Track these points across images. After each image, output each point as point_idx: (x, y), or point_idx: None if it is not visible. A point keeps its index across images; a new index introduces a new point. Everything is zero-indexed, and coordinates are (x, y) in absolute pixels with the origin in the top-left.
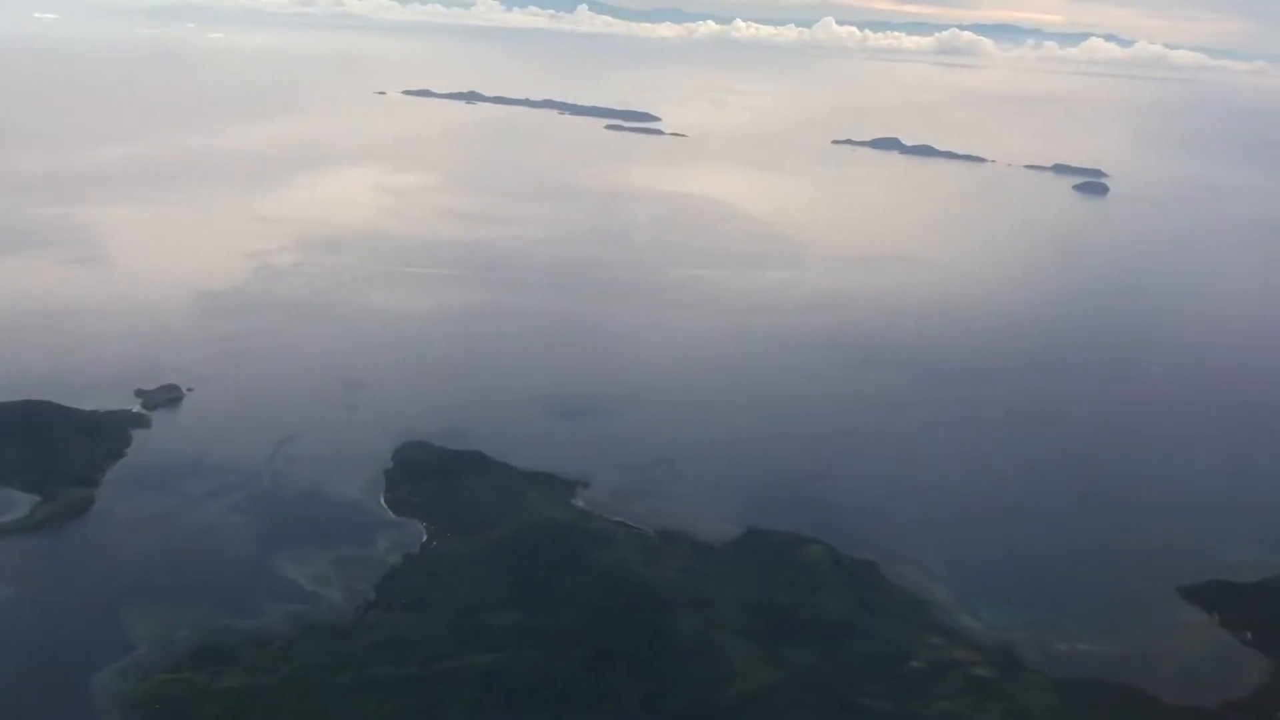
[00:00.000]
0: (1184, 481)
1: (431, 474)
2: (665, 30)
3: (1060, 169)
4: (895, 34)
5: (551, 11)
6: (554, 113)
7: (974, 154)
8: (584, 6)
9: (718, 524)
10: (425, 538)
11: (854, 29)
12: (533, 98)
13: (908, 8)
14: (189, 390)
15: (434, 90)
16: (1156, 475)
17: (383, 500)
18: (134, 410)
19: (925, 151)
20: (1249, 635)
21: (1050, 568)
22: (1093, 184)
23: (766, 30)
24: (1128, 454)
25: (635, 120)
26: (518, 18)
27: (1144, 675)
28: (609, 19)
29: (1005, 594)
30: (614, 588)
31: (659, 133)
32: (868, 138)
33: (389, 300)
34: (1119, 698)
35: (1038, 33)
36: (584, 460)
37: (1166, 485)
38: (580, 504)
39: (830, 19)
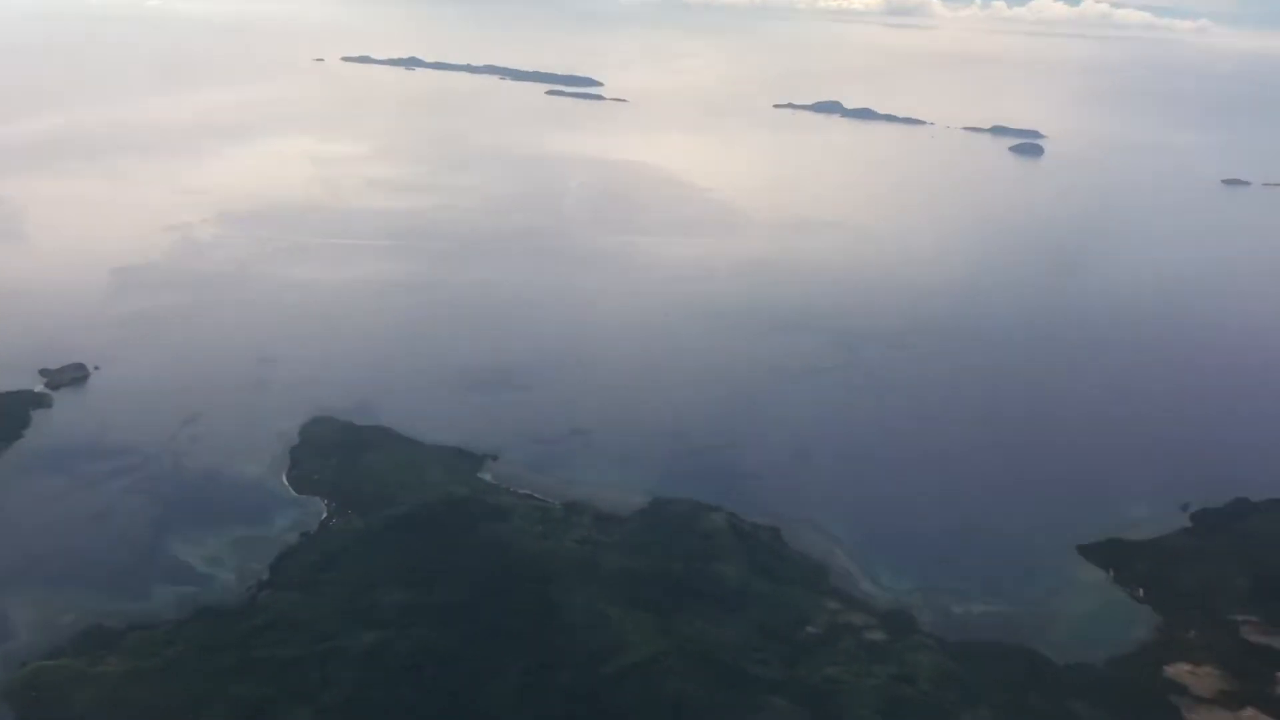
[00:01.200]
0: (1094, 441)
1: (337, 450)
2: None
3: (998, 130)
4: None
5: None
6: (495, 78)
7: (914, 117)
8: None
9: (624, 494)
10: (325, 515)
11: None
12: (474, 63)
13: None
14: (95, 369)
15: (373, 56)
16: (1067, 436)
17: (285, 478)
18: (36, 390)
19: (866, 115)
20: (1141, 592)
21: (953, 530)
22: (1028, 145)
23: None
24: (1040, 415)
25: (577, 85)
26: None
27: (1036, 635)
28: None
29: (905, 558)
30: (504, 562)
31: (600, 98)
32: (809, 101)
33: (310, 273)
34: (1008, 658)
35: None
36: (496, 433)
37: (1076, 445)
38: (487, 478)
39: None
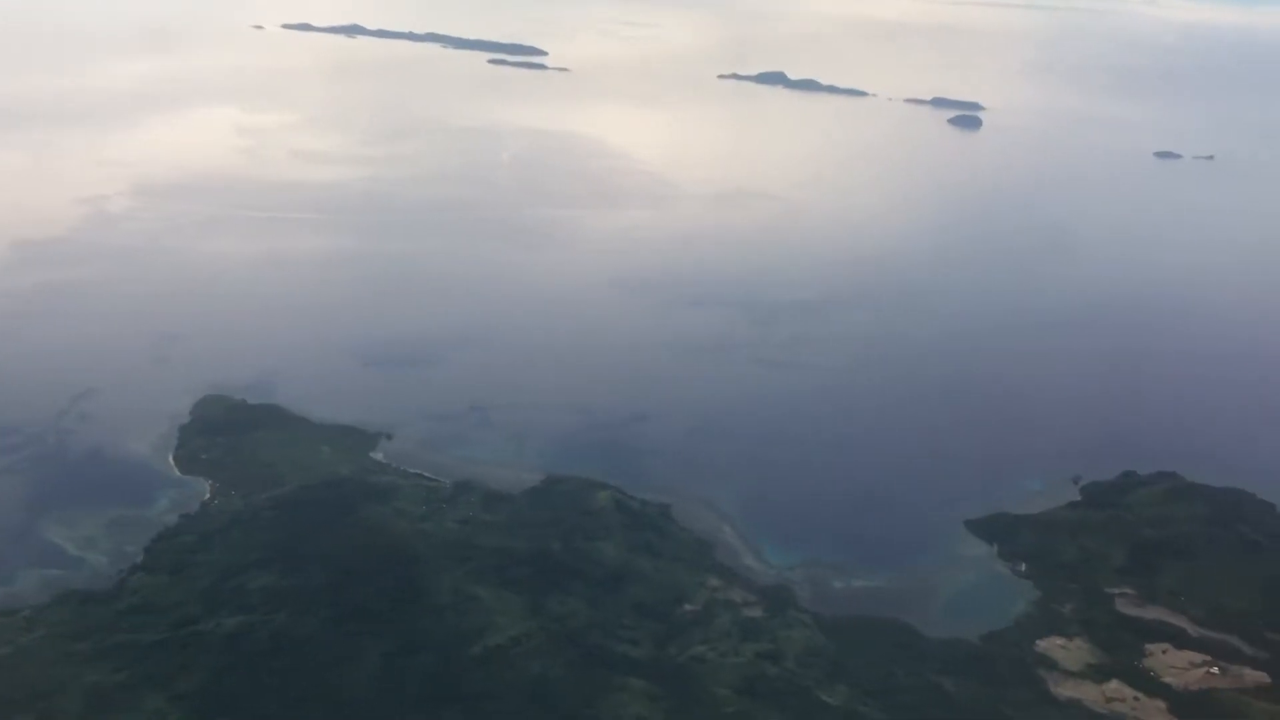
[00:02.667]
0: (997, 415)
1: (227, 429)
2: None
3: (939, 102)
4: None
5: None
6: (438, 47)
7: (857, 88)
8: None
9: (517, 472)
10: (208, 496)
11: None
12: (416, 31)
13: None
14: None
15: (314, 24)
16: (972, 410)
17: (171, 458)
18: None
19: (809, 86)
20: (1023, 567)
21: (845, 506)
22: (967, 117)
23: None
24: (947, 389)
25: (520, 54)
26: None
27: (913, 610)
28: None
29: (793, 534)
30: (375, 544)
31: (543, 67)
32: (754, 72)
33: (222, 247)
34: (881, 634)
35: None
36: (394, 410)
37: (979, 420)
38: (379, 456)
39: None
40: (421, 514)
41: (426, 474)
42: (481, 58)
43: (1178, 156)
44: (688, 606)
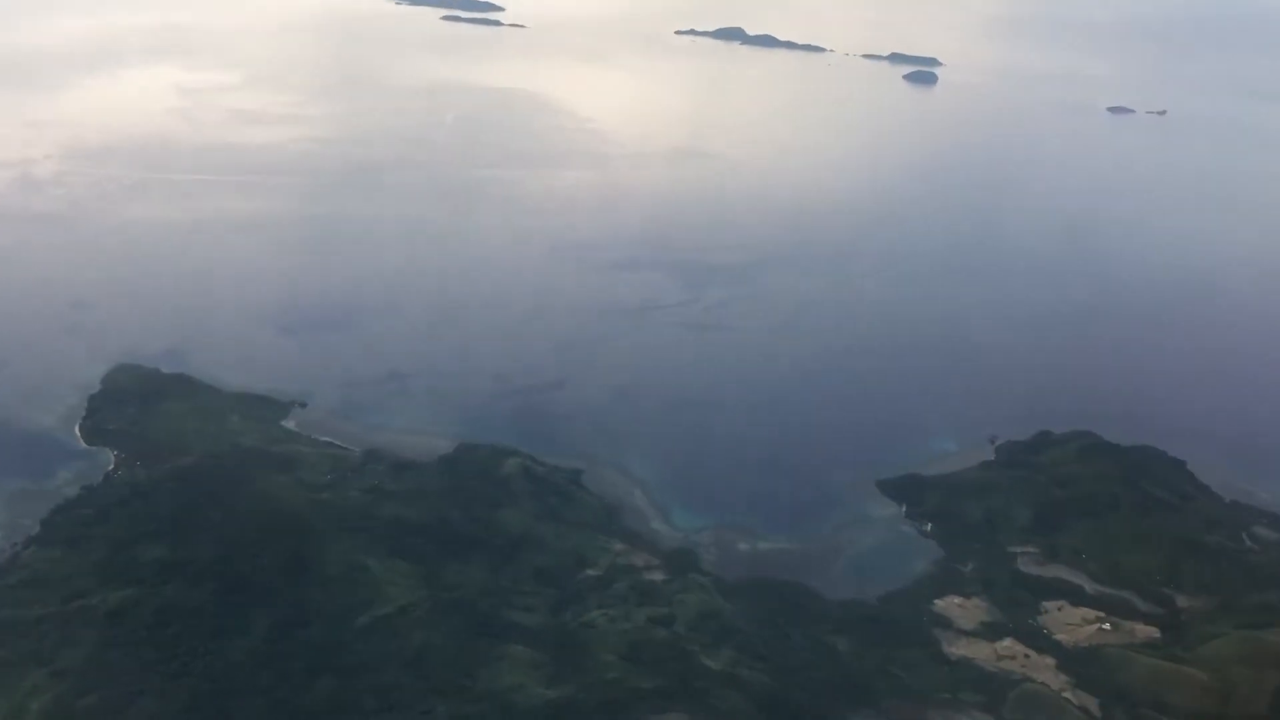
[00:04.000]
0: (920, 376)
1: (136, 399)
2: None
3: (896, 58)
4: None
5: None
6: (390, 4)
7: (814, 44)
8: None
9: (430, 439)
10: (112, 467)
11: None
12: None
13: None
14: None
15: None
16: (895, 371)
17: (77, 429)
18: None
19: (767, 42)
20: (929, 527)
21: (760, 468)
22: (923, 73)
23: None
24: (872, 350)
25: (475, 10)
26: None
27: (816, 572)
28: None
29: (705, 497)
30: (268, 516)
31: (498, 24)
32: (712, 28)
33: (147, 211)
34: (779, 596)
35: None
36: (311, 377)
37: (901, 380)
38: (291, 425)
39: None
40: (324, 483)
41: (337, 442)
42: (435, 14)
43: (1131, 111)
44: (589, 572)
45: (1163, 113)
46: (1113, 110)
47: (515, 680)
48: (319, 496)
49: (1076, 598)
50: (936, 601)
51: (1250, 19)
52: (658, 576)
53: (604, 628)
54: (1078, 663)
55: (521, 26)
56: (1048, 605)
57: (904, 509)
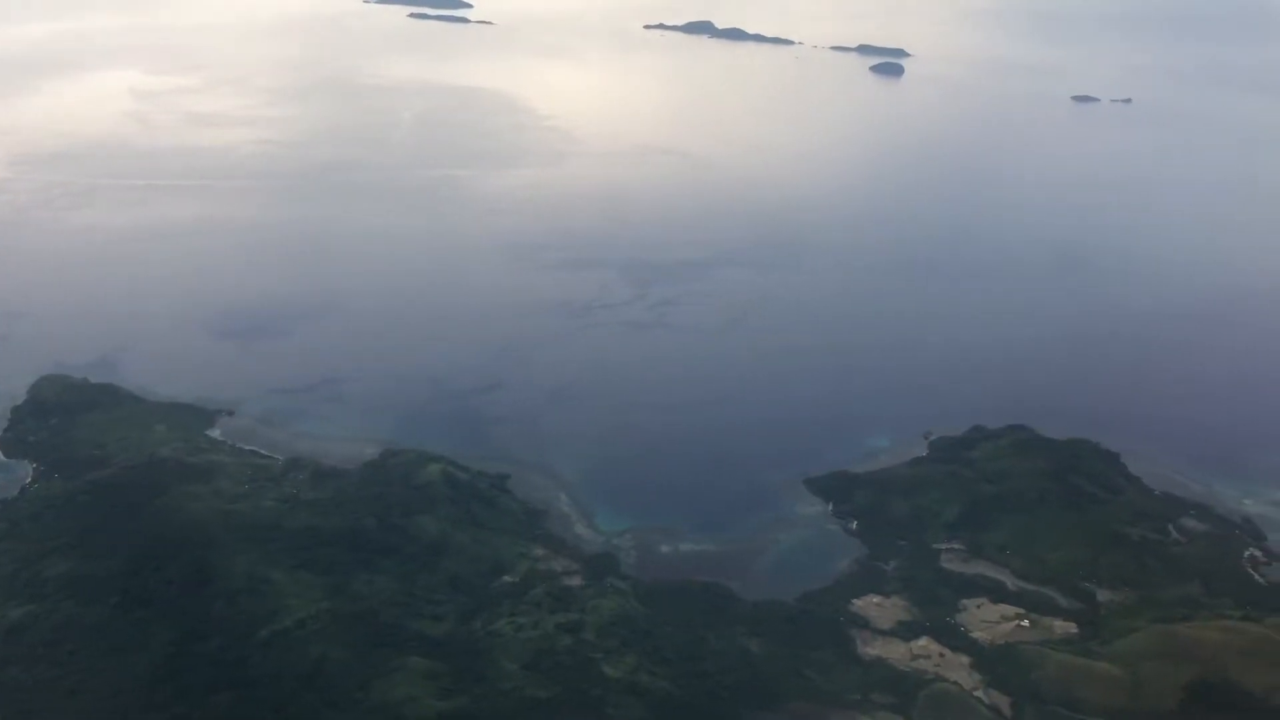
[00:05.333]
0: (859, 372)
1: (60, 410)
2: None
3: (865, 50)
4: None
5: None
6: (359, 2)
7: (783, 36)
8: None
9: (358, 446)
10: (29, 480)
11: None
12: None
13: None
14: None
15: None
16: (834, 367)
17: None
18: None
19: (736, 35)
20: (855, 524)
21: (690, 468)
22: (890, 65)
23: None
24: (810, 349)
25: (444, 8)
26: None
27: (738, 572)
28: None
29: (631, 499)
30: (175, 529)
31: (465, 20)
32: (681, 21)
33: (91, 218)
34: (697, 599)
35: None
36: (243, 384)
37: (840, 377)
38: (216, 434)
39: None
40: (241, 494)
41: (261, 451)
42: (403, 12)
43: (1095, 100)
44: (505, 578)
45: (1128, 101)
46: (1077, 99)
47: (409, 692)
48: (232, 507)
49: (998, 594)
50: (855, 601)
51: (1217, 7)
52: (576, 582)
53: (509, 636)
54: (992, 661)
55: (489, 23)
56: (967, 603)
57: (831, 507)
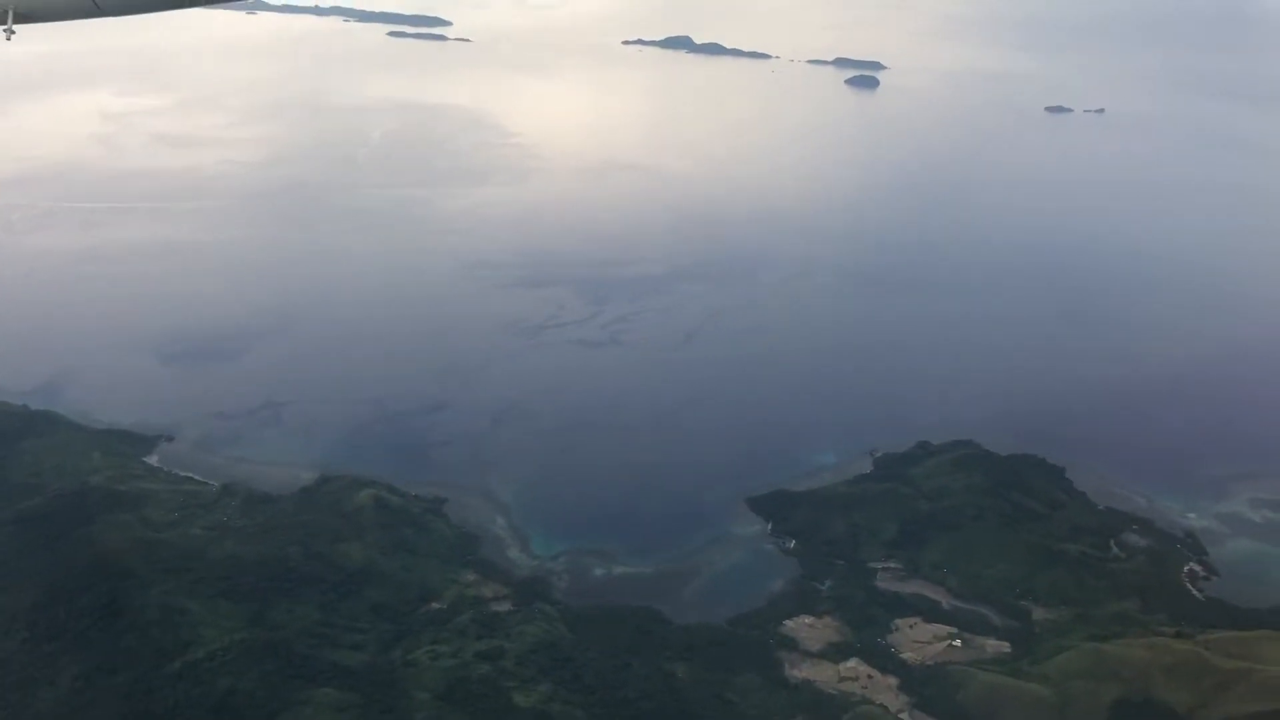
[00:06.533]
0: (807, 388)
1: None
2: None
3: (841, 63)
4: None
5: None
6: (339, 20)
7: (760, 50)
8: None
9: (294, 471)
10: None
11: None
12: (321, 5)
13: None
14: None
15: None
16: (783, 383)
17: None
18: None
19: (713, 50)
20: (792, 544)
21: (630, 490)
22: (865, 78)
23: None
24: (760, 365)
25: (423, 25)
26: None
27: (670, 595)
28: None
29: (568, 522)
30: (90, 559)
31: (443, 38)
32: (659, 36)
33: (48, 242)
34: (626, 623)
35: None
36: (184, 409)
37: (787, 394)
38: (153, 460)
39: None
40: (170, 521)
41: (196, 477)
42: (382, 30)
43: (1069, 111)
44: (433, 605)
45: (1101, 111)
46: (1050, 110)
47: None
48: (156, 536)
49: (932, 614)
50: (787, 622)
51: (1194, 15)
52: (505, 607)
53: (425, 665)
54: (920, 682)
55: (467, 41)
56: (900, 623)
57: (770, 526)
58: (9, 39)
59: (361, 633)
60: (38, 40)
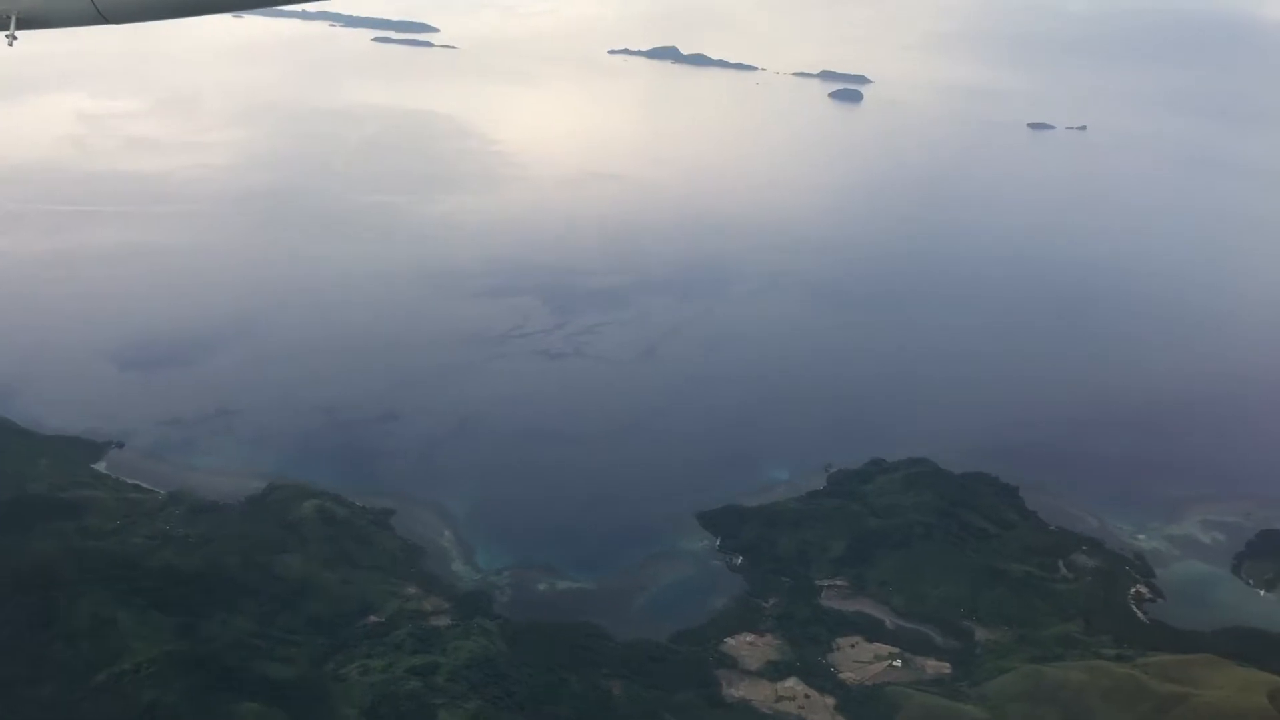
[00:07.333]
0: (765, 404)
1: None
2: None
3: (827, 76)
4: None
5: None
6: (326, 25)
7: (746, 62)
8: None
9: (243, 480)
10: None
11: None
12: (309, 10)
13: None
14: None
15: None
16: (739, 399)
17: None
18: None
19: (699, 61)
20: (739, 560)
21: (581, 503)
22: (848, 91)
23: None
24: (721, 379)
25: (409, 31)
26: None
27: (612, 611)
28: None
29: (515, 535)
30: (25, 569)
31: (429, 45)
32: (646, 47)
33: (10, 246)
34: (566, 639)
35: None
36: (136, 416)
37: (743, 408)
38: (101, 467)
39: None
40: (110, 530)
41: (144, 484)
42: (368, 35)
43: (1050, 128)
44: (372, 618)
45: (1083, 128)
46: (1033, 126)
47: None
48: (92, 545)
49: (874, 633)
50: (728, 640)
51: (1180, 34)
52: (444, 621)
53: (354, 680)
54: (856, 703)
55: (453, 47)
56: (841, 642)
57: (718, 542)
58: (11, 44)
59: (296, 646)
60: (18, 42)
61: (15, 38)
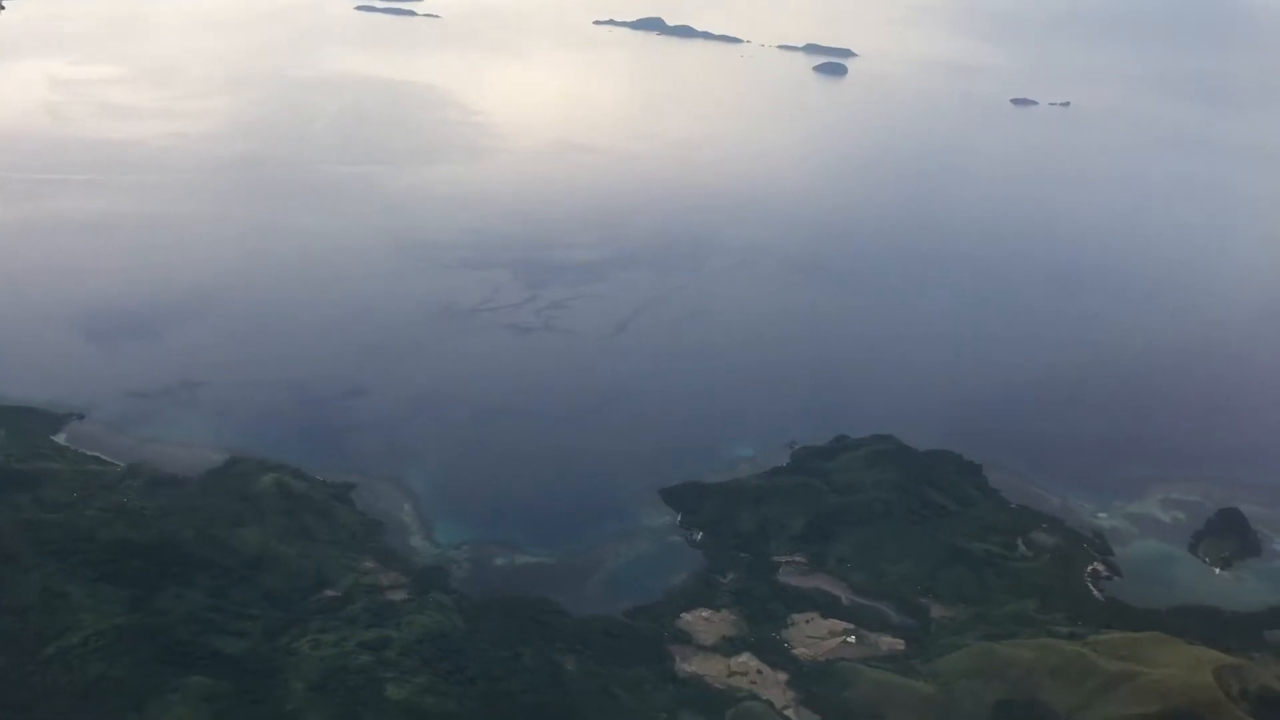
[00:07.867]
0: (734, 380)
1: None
2: None
3: (811, 49)
4: None
5: None
6: None
7: (731, 35)
8: None
9: (204, 453)
10: None
11: None
12: None
13: None
14: None
15: None
16: (710, 373)
17: None
18: None
19: (684, 32)
20: (699, 536)
21: (544, 478)
22: (833, 65)
23: None
24: (691, 354)
25: (392, 0)
26: None
27: (570, 586)
28: None
29: (476, 510)
30: None
31: (412, 14)
32: (631, 18)
33: None
34: (521, 614)
35: None
36: (99, 387)
37: (713, 384)
38: (61, 439)
39: None
40: (66, 503)
41: (104, 457)
42: (352, 3)
43: (1034, 103)
44: (328, 592)
45: (1066, 104)
46: (1016, 102)
47: (182, 713)
48: (46, 517)
49: (830, 609)
50: (685, 615)
51: (1168, 11)
52: (400, 596)
53: (305, 654)
54: (809, 678)
55: (436, 17)
56: (797, 618)
57: (679, 518)
58: (2, 9)
59: (249, 620)
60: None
61: (3, 6)
